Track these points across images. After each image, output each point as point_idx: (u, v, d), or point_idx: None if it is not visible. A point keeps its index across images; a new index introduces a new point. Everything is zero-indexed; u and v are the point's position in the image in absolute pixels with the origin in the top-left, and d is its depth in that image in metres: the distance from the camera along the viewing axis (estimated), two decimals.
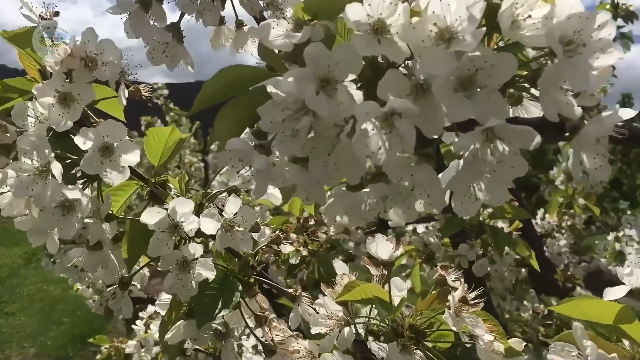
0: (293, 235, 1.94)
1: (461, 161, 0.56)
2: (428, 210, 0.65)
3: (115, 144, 0.80)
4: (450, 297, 0.87)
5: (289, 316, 0.92)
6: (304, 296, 0.91)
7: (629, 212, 4.22)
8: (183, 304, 0.88)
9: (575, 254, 3.73)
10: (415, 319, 0.93)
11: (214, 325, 0.86)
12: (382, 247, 0.95)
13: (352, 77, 0.62)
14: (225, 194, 0.97)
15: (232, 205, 0.83)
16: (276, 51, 0.71)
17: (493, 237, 2.19)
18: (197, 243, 0.82)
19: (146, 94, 0.96)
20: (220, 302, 0.85)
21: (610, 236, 3.63)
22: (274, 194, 0.95)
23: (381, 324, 0.94)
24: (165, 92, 5.91)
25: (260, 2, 0.84)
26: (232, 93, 0.72)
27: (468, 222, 2.25)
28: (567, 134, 0.60)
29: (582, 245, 3.83)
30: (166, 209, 0.81)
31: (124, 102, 0.89)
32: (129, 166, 0.81)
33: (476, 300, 0.91)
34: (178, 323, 0.86)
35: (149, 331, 1.60)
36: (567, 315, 0.80)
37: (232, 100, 0.69)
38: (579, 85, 0.55)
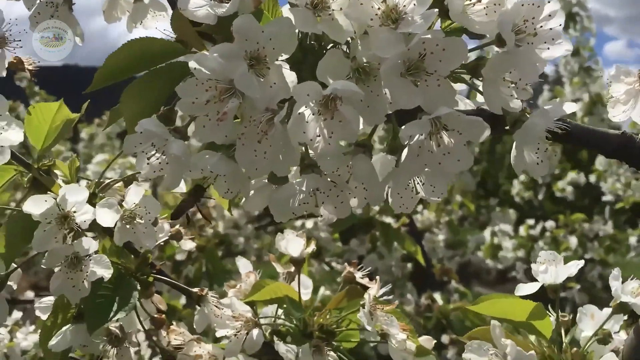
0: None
1: (404, 152, 0.52)
2: (361, 206, 0.60)
3: None
4: (365, 296, 0.83)
5: (194, 318, 0.84)
6: (211, 296, 0.84)
7: (497, 209, 4.46)
8: (71, 306, 0.77)
9: (449, 248, 3.90)
10: (325, 318, 0.89)
11: (111, 328, 0.76)
12: (292, 244, 0.90)
13: (284, 56, 0.55)
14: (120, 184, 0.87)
15: (134, 195, 0.73)
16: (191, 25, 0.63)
17: (383, 233, 2.21)
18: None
19: (30, 68, 0.84)
20: (115, 304, 0.75)
21: (487, 231, 3.82)
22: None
23: (288, 324, 0.89)
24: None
25: None
26: (139, 69, 0.63)
27: (359, 217, 2.25)
28: (507, 127, 0.57)
29: (456, 239, 4.01)
30: (55, 197, 0.70)
31: (3, 73, 0.76)
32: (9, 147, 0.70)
33: (385, 298, 0.88)
34: (64, 328, 0.75)
35: (14, 340, 1.44)
36: (485, 314, 0.79)
37: (142, 76, 0.61)
38: (528, 76, 0.52)
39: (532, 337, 0.83)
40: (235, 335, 0.82)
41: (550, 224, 3.93)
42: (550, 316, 0.79)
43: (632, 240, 4.02)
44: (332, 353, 0.82)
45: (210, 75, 0.53)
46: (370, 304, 0.83)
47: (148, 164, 0.58)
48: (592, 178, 4.50)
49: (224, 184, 0.59)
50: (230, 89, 0.54)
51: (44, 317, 0.83)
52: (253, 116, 0.54)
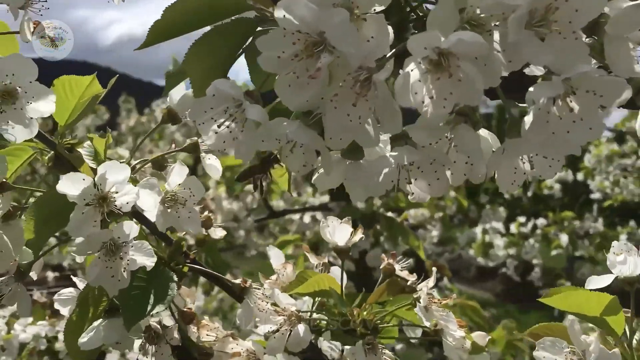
0: None
1: (528, 119, 0.45)
2: (458, 183, 0.53)
3: (20, 87, 0.60)
4: (423, 289, 0.76)
5: (237, 312, 0.76)
6: (254, 288, 0.76)
7: (488, 206, 4.44)
8: (102, 299, 0.69)
9: (438, 244, 3.86)
10: (368, 313, 0.82)
11: (151, 323, 0.68)
12: (338, 232, 0.82)
13: (379, 8, 0.48)
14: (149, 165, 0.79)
15: (177, 175, 0.65)
16: None
17: (387, 227, 2.15)
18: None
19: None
20: (151, 297, 0.67)
21: (478, 228, 3.78)
22: (214, 165, 0.79)
23: (326, 318, 0.82)
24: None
25: None
26: (200, 24, 0.55)
27: (361, 212, 2.18)
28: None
29: (445, 236, 3.97)
30: (92, 176, 0.61)
31: (30, 38, 0.68)
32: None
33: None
34: (96, 323, 0.67)
35: (12, 332, 1.36)
36: (557, 307, 0.73)
37: (208, 32, 0.53)
38: None
39: (594, 334, 0.77)
40: (277, 331, 0.75)
41: (541, 221, 3.92)
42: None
43: (622, 238, 4.02)
44: (387, 352, 0.75)
45: (298, 25, 0.45)
46: (427, 298, 0.76)
47: (217, 132, 0.50)
48: (580, 176, 4.50)
49: (302, 155, 0.51)
50: (319, 42, 0.46)
51: (64, 310, 0.75)
52: (351, 74, 0.46)
